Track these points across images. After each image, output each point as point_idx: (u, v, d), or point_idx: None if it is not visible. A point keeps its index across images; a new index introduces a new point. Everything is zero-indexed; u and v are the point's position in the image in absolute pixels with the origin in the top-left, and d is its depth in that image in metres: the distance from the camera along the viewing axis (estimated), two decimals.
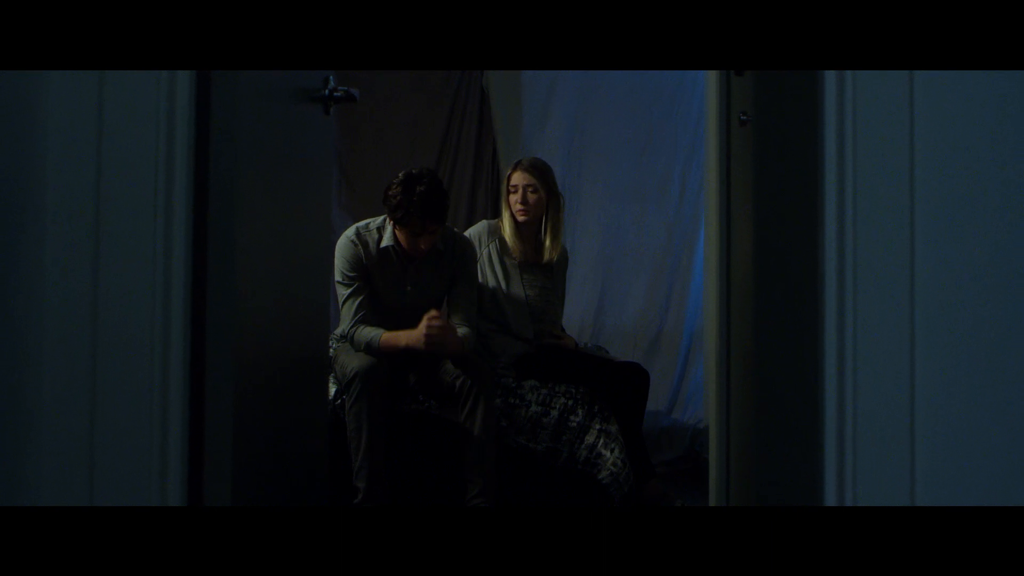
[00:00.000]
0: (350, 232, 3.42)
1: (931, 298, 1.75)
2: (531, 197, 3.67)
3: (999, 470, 1.74)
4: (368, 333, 3.30)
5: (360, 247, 3.36)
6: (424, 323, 3.26)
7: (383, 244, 3.36)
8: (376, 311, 3.39)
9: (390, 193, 3.29)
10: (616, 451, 3.32)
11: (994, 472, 1.74)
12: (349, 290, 3.36)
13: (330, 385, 3.35)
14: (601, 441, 3.34)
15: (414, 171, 3.31)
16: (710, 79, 3.11)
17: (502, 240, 3.73)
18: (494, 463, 3.24)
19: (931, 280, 1.75)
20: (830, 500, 1.77)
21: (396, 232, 3.35)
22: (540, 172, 3.69)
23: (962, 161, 1.75)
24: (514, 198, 3.69)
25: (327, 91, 2.36)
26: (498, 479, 3.25)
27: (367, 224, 3.44)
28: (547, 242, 3.71)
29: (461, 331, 3.34)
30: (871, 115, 1.76)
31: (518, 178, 3.69)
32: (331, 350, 3.48)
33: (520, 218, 3.69)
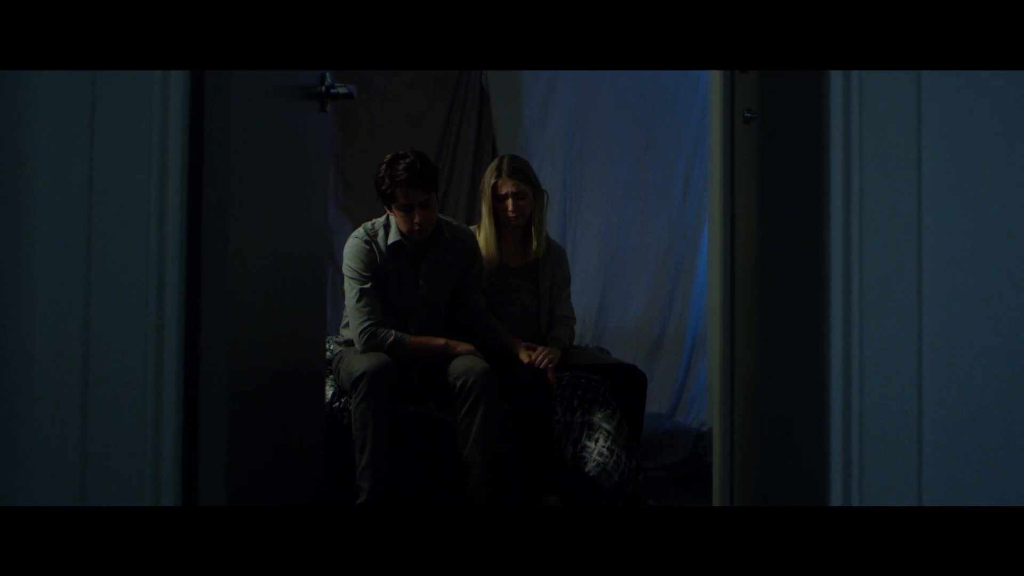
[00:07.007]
0: (359, 233, 3.41)
1: (938, 297, 1.73)
2: (522, 203, 3.60)
3: (1007, 469, 1.72)
4: (390, 333, 3.30)
5: (372, 246, 3.35)
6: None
7: (391, 240, 3.35)
8: (386, 309, 3.36)
9: (379, 176, 3.30)
10: (600, 440, 3.27)
11: (1002, 471, 1.72)
12: (362, 287, 3.32)
13: (327, 388, 3.33)
14: (584, 433, 3.30)
15: (400, 152, 3.32)
16: (714, 76, 3.10)
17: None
18: (493, 463, 3.22)
19: (938, 279, 1.74)
20: (836, 500, 1.75)
21: (394, 217, 3.32)
22: (524, 175, 3.62)
23: (970, 161, 1.74)
24: (505, 206, 3.60)
25: (324, 88, 2.34)
26: (497, 479, 3.23)
27: (371, 224, 3.42)
28: (534, 239, 3.65)
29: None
30: (878, 115, 1.75)
31: (505, 186, 3.59)
32: (328, 352, 3.46)
33: (514, 223, 3.63)
